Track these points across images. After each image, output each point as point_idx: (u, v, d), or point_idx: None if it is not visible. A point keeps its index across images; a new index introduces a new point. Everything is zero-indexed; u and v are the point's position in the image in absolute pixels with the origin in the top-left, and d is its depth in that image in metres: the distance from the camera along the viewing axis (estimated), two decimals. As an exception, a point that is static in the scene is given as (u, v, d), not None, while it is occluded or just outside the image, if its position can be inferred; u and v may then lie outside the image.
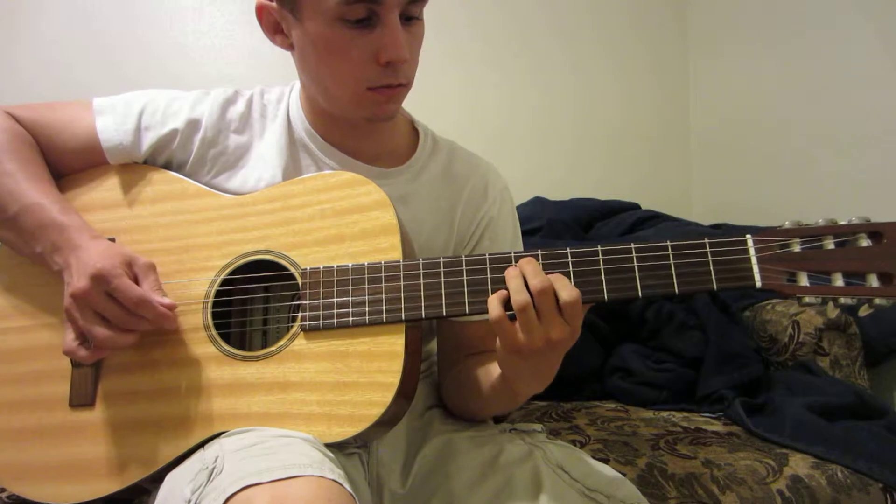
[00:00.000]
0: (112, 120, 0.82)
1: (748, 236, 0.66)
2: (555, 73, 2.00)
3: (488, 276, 0.70)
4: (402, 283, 0.72)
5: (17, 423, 0.75)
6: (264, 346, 0.76)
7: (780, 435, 1.14)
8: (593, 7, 2.04)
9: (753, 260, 0.65)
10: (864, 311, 0.64)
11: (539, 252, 0.69)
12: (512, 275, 0.67)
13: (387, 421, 0.71)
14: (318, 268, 0.74)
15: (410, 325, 0.72)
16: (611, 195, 1.88)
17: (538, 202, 1.82)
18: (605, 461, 0.99)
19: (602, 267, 0.68)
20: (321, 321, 0.72)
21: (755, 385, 1.34)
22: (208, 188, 0.82)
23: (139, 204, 0.81)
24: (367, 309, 0.72)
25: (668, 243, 0.67)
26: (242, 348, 0.74)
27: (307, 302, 0.73)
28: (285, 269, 0.75)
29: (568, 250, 0.69)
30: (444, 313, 0.71)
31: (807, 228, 0.64)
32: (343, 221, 0.76)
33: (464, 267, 0.71)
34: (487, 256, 0.71)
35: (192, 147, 0.83)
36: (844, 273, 0.63)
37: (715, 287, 0.66)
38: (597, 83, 2.04)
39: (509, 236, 0.92)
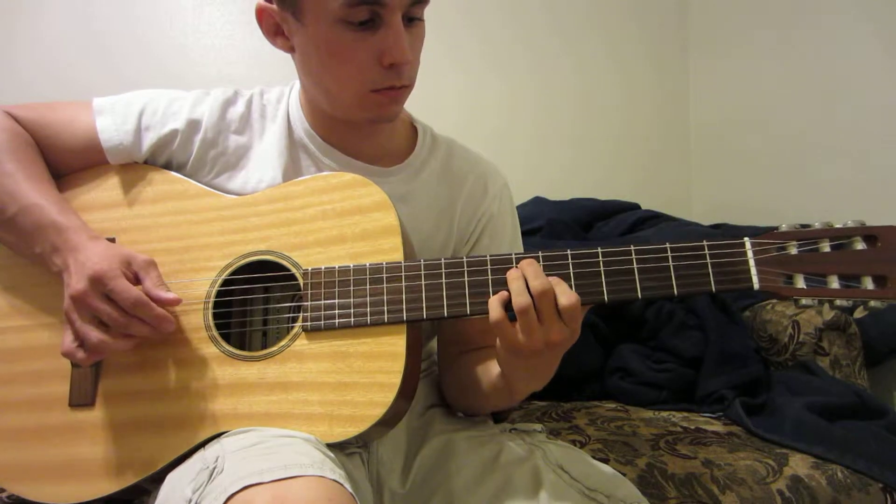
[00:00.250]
0: (112, 120, 0.82)
1: (746, 239, 0.67)
2: (555, 73, 2.00)
3: (489, 277, 0.70)
4: (403, 283, 0.72)
5: (16, 423, 0.75)
6: (264, 346, 0.76)
7: (780, 435, 1.14)
8: (593, 7, 2.04)
9: (751, 262, 0.66)
10: (859, 313, 0.65)
11: (539, 254, 0.70)
12: (513, 276, 0.67)
13: (388, 421, 0.71)
14: (320, 268, 0.74)
15: (411, 326, 0.72)
16: (611, 195, 1.88)
17: (538, 202, 1.82)
18: (605, 461, 0.99)
19: (602, 269, 0.69)
20: (322, 321, 0.72)
21: (755, 385, 1.34)
22: (209, 188, 0.82)
23: (139, 204, 0.82)
24: (368, 309, 0.72)
25: (668, 245, 0.68)
26: (242, 349, 0.75)
27: (309, 303, 0.73)
28: (287, 269, 0.76)
29: (568, 252, 0.69)
30: (446, 314, 0.71)
31: (803, 232, 0.65)
32: (344, 222, 0.76)
33: (465, 268, 0.71)
34: (489, 258, 0.71)
35: (192, 148, 0.83)
36: (840, 276, 0.64)
37: (713, 289, 0.67)
38: (597, 83, 2.04)
39: (508, 233, 0.92)
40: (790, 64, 1.71)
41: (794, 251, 0.65)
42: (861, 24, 1.50)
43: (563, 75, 2.01)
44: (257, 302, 0.83)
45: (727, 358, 1.37)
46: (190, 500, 0.58)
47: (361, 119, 0.80)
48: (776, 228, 0.67)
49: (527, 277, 0.66)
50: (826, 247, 0.65)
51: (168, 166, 0.84)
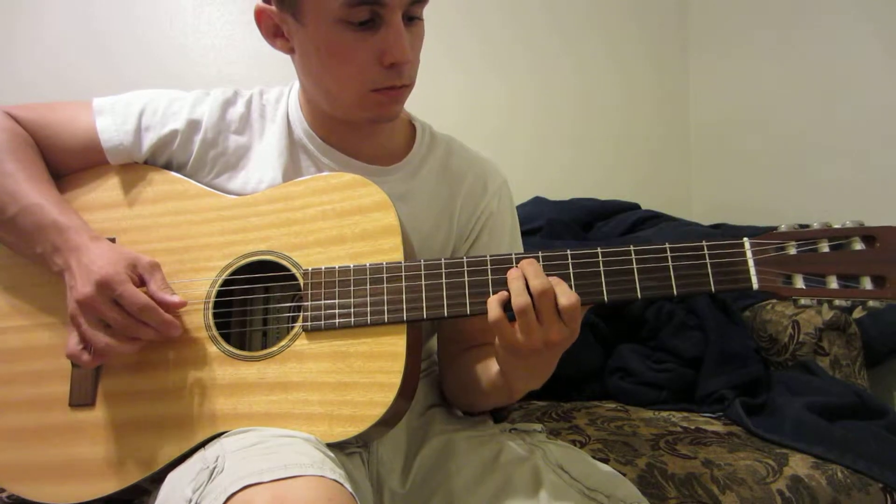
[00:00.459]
0: (112, 120, 0.82)
1: (745, 239, 0.67)
2: (555, 73, 2.00)
3: (489, 277, 0.70)
4: (403, 283, 0.72)
5: (16, 423, 0.75)
6: (264, 346, 0.76)
7: (780, 435, 1.14)
8: (593, 7, 2.04)
9: (750, 263, 0.66)
10: (857, 313, 0.65)
11: (539, 254, 0.70)
12: (514, 276, 0.67)
13: (388, 421, 0.71)
14: (320, 268, 0.74)
15: (412, 326, 0.72)
16: (611, 195, 1.88)
17: (538, 202, 1.82)
18: (605, 461, 0.99)
19: (602, 269, 0.69)
20: (322, 321, 0.72)
21: (755, 385, 1.34)
22: (209, 189, 0.82)
23: (140, 204, 0.82)
24: (368, 309, 0.72)
25: (667, 245, 0.68)
26: (242, 349, 0.75)
27: (309, 303, 0.73)
28: (287, 269, 0.76)
29: (568, 252, 0.70)
30: (446, 314, 0.71)
31: (802, 232, 0.66)
32: (344, 222, 0.76)
33: (465, 268, 0.71)
34: (489, 258, 0.71)
35: (192, 148, 0.83)
36: (839, 276, 0.64)
37: (713, 289, 0.67)
38: (597, 83, 2.04)
39: (508, 230, 0.92)
40: (790, 64, 1.71)
41: (793, 251, 0.65)
42: (861, 24, 1.50)
43: (563, 75, 2.01)
44: (257, 302, 0.83)
45: (727, 358, 1.37)
46: (190, 500, 0.58)
47: (362, 119, 0.80)
48: (775, 228, 0.67)
49: (527, 277, 0.66)
50: (825, 247, 0.65)
51: (168, 166, 0.84)
